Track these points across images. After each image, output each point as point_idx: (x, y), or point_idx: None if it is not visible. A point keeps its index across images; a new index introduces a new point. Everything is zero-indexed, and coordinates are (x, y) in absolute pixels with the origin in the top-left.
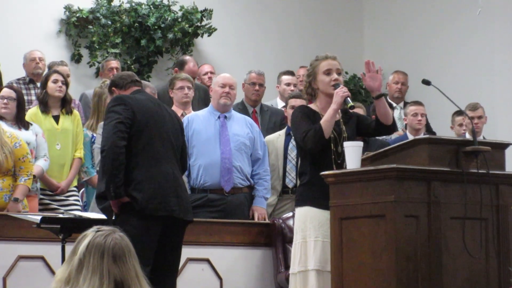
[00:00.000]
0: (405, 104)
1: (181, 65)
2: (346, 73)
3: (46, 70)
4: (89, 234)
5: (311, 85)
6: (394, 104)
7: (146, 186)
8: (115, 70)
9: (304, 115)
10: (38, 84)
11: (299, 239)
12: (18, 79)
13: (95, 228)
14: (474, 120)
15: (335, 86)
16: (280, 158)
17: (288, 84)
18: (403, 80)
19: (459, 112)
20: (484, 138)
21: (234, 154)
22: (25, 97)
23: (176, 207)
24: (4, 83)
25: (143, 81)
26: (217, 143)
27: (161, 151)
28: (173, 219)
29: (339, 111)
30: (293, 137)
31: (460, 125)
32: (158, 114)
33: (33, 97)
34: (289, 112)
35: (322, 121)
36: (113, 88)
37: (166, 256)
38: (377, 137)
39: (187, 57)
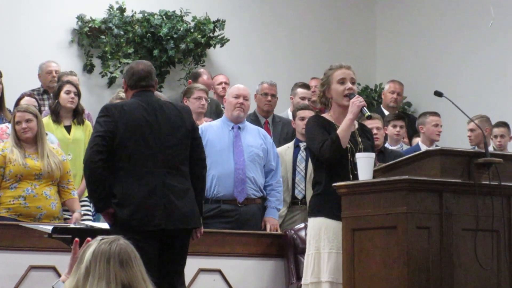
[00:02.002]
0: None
1: (195, 77)
2: (359, 84)
3: (56, 80)
4: (94, 243)
5: (325, 94)
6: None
7: (127, 202)
8: None
9: (318, 125)
10: (46, 96)
11: (313, 250)
12: (33, 90)
13: (99, 237)
14: (469, 133)
15: (350, 95)
16: (289, 170)
17: (303, 98)
18: (399, 90)
19: (496, 124)
20: (494, 149)
21: (248, 165)
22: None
23: (163, 220)
24: (17, 92)
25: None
26: (230, 153)
27: (148, 164)
28: (165, 232)
29: (356, 122)
30: (301, 149)
31: (496, 136)
32: (150, 122)
33: (47, 107)
34: (297, 124)
35: (338, 131)
36: (123, 79)
37: (166, 268)
38: (392, 148)
39: (202, 70)
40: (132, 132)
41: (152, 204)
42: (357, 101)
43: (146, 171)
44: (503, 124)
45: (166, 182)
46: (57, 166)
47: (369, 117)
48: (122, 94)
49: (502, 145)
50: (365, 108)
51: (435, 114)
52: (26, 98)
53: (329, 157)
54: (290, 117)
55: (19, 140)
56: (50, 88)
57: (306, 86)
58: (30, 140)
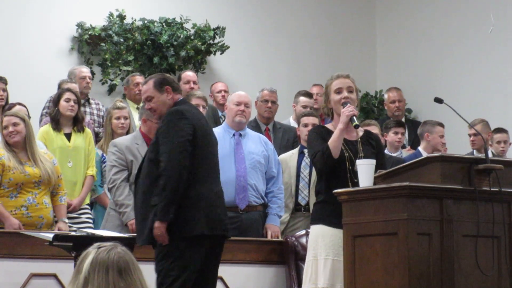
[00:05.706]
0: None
1: (179, 78)
2: (359, 91)
3: (56, 88)
4: (92, 252)
5: (327, 105)
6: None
7: (202, 204)
8: (140, 86)
9: (318, 136)
10: (82, 101)
11: (311, 257)
12: None
13: (96, 245)
14: (471, 137)
15: (343, 105)
16: (293, 176)
17: (305, 106)
18: (399, 97)
19: (497, 130)
20: (494, 154)
21: (249, 172)
22: None
23: (228, 226)
24: (18, 99)
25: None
26: (232, 160)
27: (212, 169)
28: (220, 238)
29: (362, 130)
30: (306, 155)
31: (499, 142)
32: (208, 131)
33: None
34: (301, 130)
35: (329, 142)
36: (167, 87)
37: (206, 276)
38: (392, 154)
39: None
40: (203, 137)
41: (220, 208)
42: (346, 111)
43: (212, 175)
44: (503, 130)
45: (221, 189)
46: (52, 172)
47: (356, 127)
48: (120, 104)
49: (504, 151)
50: (354, 117)
51: (441, 124)
52: (18, 107)
53: (321, 168)
54: (292, 125)
55: (9, 146)
56: (82, 94)
57: (308, 94)
58: (19, 145)
